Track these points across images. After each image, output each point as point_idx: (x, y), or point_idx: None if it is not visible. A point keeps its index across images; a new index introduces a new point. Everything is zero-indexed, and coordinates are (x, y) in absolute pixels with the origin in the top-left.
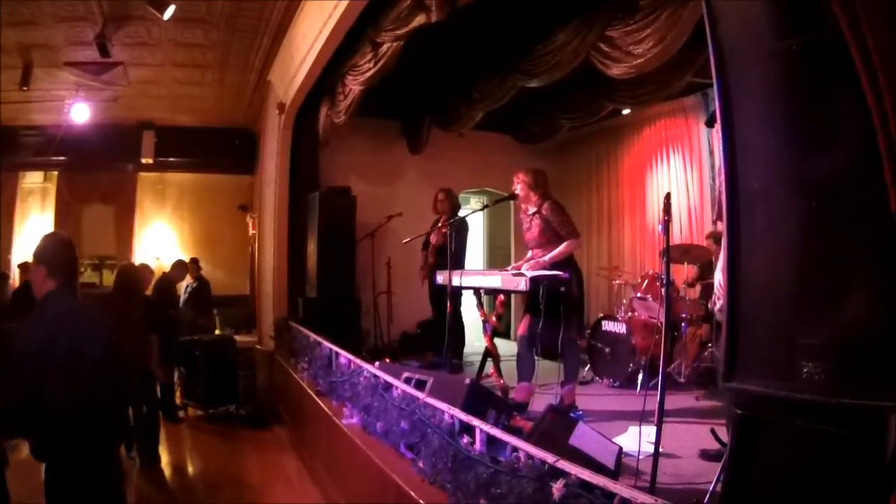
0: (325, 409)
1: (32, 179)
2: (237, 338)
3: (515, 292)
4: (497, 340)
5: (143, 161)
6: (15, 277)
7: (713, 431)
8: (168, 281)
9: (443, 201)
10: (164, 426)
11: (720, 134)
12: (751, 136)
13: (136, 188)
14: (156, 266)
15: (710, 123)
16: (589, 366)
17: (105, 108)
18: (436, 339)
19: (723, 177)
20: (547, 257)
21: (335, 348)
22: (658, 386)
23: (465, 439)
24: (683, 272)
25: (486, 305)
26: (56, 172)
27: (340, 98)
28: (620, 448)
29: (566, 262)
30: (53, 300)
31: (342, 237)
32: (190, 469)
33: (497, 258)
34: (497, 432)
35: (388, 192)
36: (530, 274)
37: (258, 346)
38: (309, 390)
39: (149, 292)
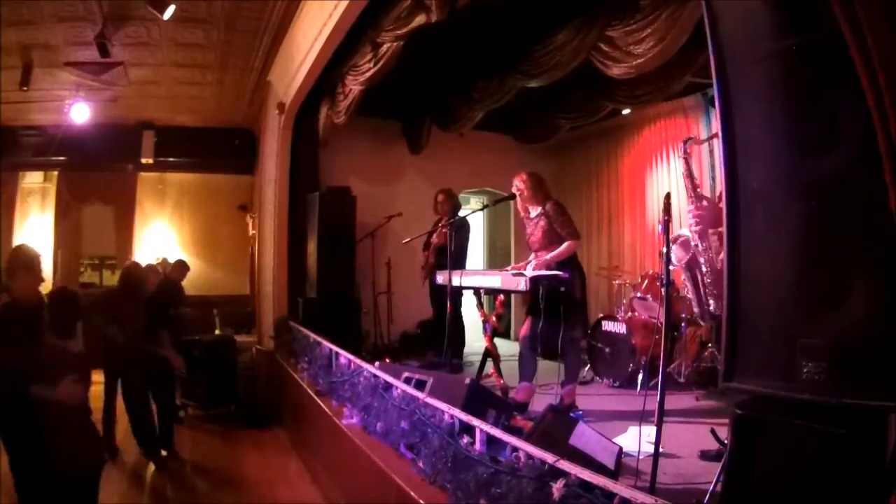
0: (325, 409)
1: (32, 179)
2: (237, 338)
3: (515, 292)
4: (497, 340)
5: (143, 161)
6: None
7: (713, 431)
8: (170, 281)
9: (443, 202)
10: None
11: (720, 134)
12: (751, 136)
13: (136, 188)
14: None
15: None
16: (589, 366)
17: (105, 108)
18: (436, 339)
19: (722, 176)
20: (547, 257)
21: (335, 348)
22: (658, 386)
23: (465, 439)
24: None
25: (486, 305)
26: (56, 172)
27: (340, 98)
28: (620, 448)
29: (569, 263)
30: None
31: (342, 237)
32: (190, 469)
33: (497, 258)
34: (497, 432)
35: (388, 192)
36: (530, 274)
37: (258, 346)
38: (309, 390)
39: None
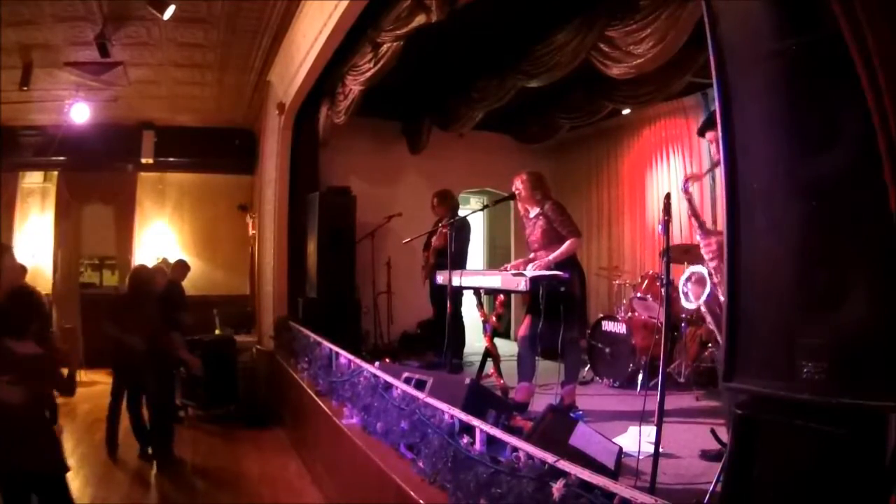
0: (325, 409)
1: (32, 179)
2: (237, 338)
3: (515, 292)
4: (497, 340)
5: (143, 161)
6: None
7: (713, 431)
8: (173, 283)
9: (437, 206)
10: None
11: (720, 134)
12: (751, 136)
13: (136, 188)
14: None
15: (701, 132)
16: (589, 366)
17: (105, 108)
18: (436, 339)
19: (722, 176)
20: (550, 257)
21: (335, 348)
22: (658, 386)
23: (465, 439)
24: (683, 272)
25: (486, 305)
26: (56, 172)
27: (340, 98)
28: (620, 448)
29: (568, 263)
30: None
31: (342, 237)
32: (190, 469)
33: (497, 258)
34: (497, 432)
35: (388, 192)
36: (530, 274)
37: (258, 346)
38: (309, 390)
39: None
